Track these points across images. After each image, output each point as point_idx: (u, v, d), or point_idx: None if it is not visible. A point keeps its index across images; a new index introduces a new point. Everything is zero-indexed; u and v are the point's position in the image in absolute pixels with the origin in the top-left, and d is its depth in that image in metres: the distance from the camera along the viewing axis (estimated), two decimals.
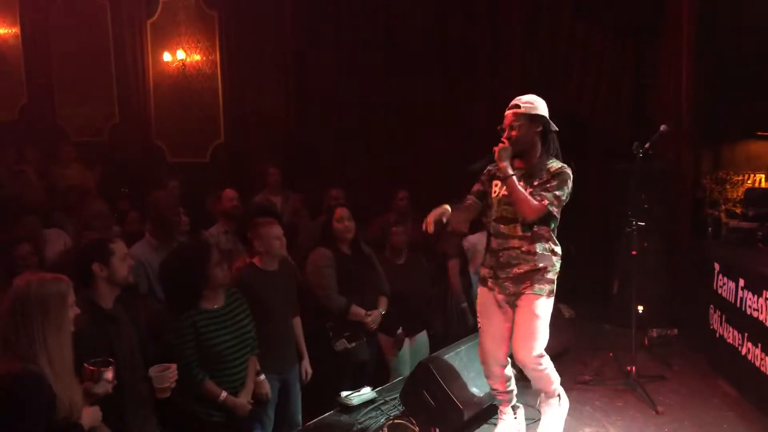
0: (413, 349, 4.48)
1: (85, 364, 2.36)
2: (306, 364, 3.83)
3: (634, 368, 4.45)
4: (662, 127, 4.58)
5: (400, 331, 4.26)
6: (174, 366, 2.71)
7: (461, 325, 4.75)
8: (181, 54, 7.88)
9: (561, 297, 5.45)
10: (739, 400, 4.18)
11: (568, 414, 3.59)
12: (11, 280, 2.30)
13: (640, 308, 4.92)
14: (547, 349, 4.60)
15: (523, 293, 3.13)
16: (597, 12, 6.13)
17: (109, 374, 2.38)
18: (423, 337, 4.54)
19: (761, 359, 3.93)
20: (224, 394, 3.08)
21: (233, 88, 7.68)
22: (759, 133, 5.59)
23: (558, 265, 3.20)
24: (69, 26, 8.30)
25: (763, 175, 5.67)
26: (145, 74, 8.07)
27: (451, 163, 6.33)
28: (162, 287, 3.48)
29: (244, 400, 3.17)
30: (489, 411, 3.91)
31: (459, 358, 3.75)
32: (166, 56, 7.94)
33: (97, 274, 2.74)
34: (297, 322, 3.80)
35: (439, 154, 6.62)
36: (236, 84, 7.64)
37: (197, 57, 7.83)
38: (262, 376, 3.36)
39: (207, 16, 7.71)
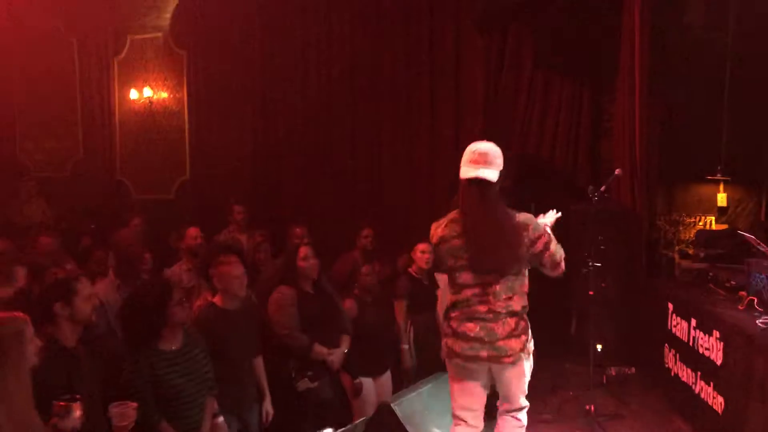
0: (377, 388, 4.47)
1: (54, 401, 2.34)
2: (267, 405, 3.78)
3: (593, 407, 4.52)
4: (616, 171, 4.78)
5: (358, 380, 4.25)
6: (134, 404, 2.68)
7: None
8: (148, 91, 7.91)
9: None
10: None
11: None
12: None
13: (599, 347, 5.02)
14: None
15: None
16: (557, 60, 6.38)
17: (77, 411, 2.36)
18: (387, 376, 4.55)
19: (713, 398, 4.04)
20: None
21: (200, 125, 7.72)
22: (708, 177, 5.82)
23: None
24: (34, 61, 8.27)
25: (713, 218, 5.89)
26: (111, 111, 8.06)
27: (413, 203, 6.45)
28: (121, 325, 3.44)
29: None
30: None
31: (421, 398, 3.77)
32: (133, 93, 7.96)
33: (59, 314, 2.71)
34: (258, 361, 3.78)
35: (403, 194, 6.73)
36: (203, 121, 7.69)
37: (164, 95, 7.87)
38: (221, 418, 3.31)
39: (175, 55, 7.78)
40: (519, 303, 3.03)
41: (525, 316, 3.07)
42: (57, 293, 2.75)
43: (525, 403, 3.21)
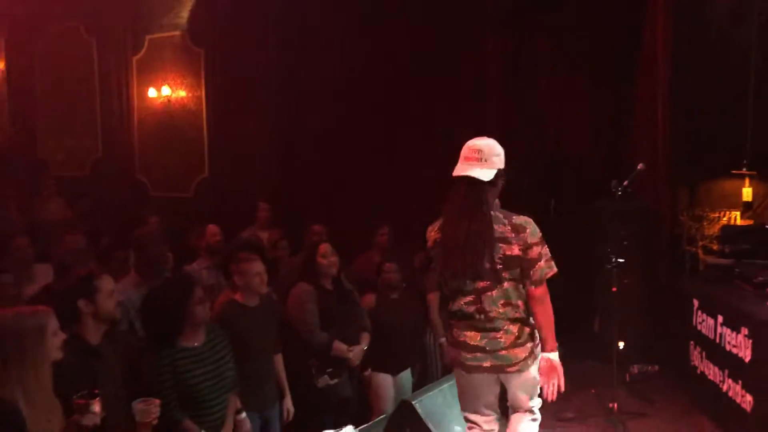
0: (397, 386, 4.45)
1: (74, 397, 2.35)
2: (288, 403, 3.78)
3: (616, 405, 4.46)
4: (639, 166, 4.69)
5: (368, 371, 4.27)
6: (158, 401, 2.68)
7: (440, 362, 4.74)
8: (166, 90, 7.94)
9: None
10: None
11: None
12: None
13: (621, 344, 4.95)
14: None
15: None
16: (575, 55, 6.29)
17: (96, 406, 2.36)
18: (407, 374, 4.52)
19: (741, 396, 3.96)
20: None
21: (218, 123, 7.73)
22: (733, 172, 5.70)
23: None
24: (54, 61, 8.36)
25: (738, 213, 5.78)
26: (129, 109, 8.11)
27: (432, 201, 6.39)
28: (142, 323, 3.45)
29: None
30: None
31: (443, 395, 3.73)
32: (152, 92, 8.00)
33: (83, 310, 2.72)
34: (279, 358, 3.77)
35: (422, 192, 6.68)
36: (221, 120, 7.70)
37: (182, 93, 7.90)
38: (243, 414, 3.31)
39: (193, 53, 7.80)
40: (519, 310, 2.84)
41: (531, 322, 2.88)
42: (80, 290, 2.76)
43: (537, 402, 3.04)
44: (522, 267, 2.80)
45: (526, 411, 3.01)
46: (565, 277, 6.09)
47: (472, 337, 2.86)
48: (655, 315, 5.51)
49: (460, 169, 2.81)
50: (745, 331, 3.94)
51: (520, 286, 2.83)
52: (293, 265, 4.90)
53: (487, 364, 2.85)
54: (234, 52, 7.49)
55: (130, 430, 2.67)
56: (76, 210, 7.13)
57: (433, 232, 2.96)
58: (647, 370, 5.32)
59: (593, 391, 4.86)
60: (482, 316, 2.83)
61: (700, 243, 5.77)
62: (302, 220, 6.06)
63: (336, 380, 3.97)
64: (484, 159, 2.79)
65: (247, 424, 3.33)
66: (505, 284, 2.80)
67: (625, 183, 4.59)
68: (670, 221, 5.87)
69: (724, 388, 4.22)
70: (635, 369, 5.28)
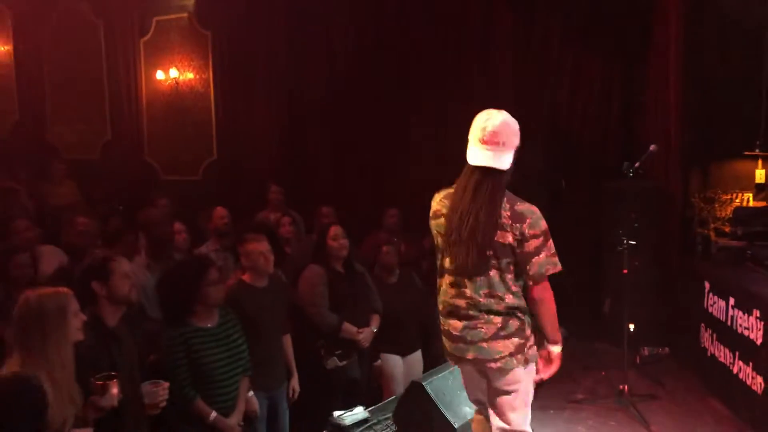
0: (407, 368, 4.46)
1: (92, 379, 2.40)
2: (294, 383, 3.80)
3: (626, 387, 4.46)
4: (651, 147, 4.65)
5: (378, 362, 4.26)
6: (166, 384, 2.70)
7: None
8: (174, 72, 7.91)
9: None
10: (732, 419, 4.19)
11: None
12: (8, 288, 2.38)
13: (632, 327, 4.93)
14: None
15: None
16: (586, 35, 6.21)
17: (114, 388, 2.41)
18: (417, 356, 4.53)
19: (752, 378, 3.95)
20: (214, 414, 3.05)
21: (226, 106, 7.70)
22: (746, 153, 5.64)
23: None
24: (62, 44, 8.34)
25: (750, 195, 5.72)
26: (137, 92, 8.09)
27: (442, 183, 6.35)
28: (159, 302, 3.49)
29: (234, 421, 3.14)
30: None
31: (453, 376, 3.74)
32: (159, 74, 7.97)
33: (98, 293, 2.74)
34: (287, 339, 3.78)
35: (432, 174, 6.63)
36: (229, 102, 7.67)
37: (190, 75, 7.86)
38: (251, 393, 3.33)
39: (200, 35, 7.75)
40: (505, 301, 2.55)
41: (519, 316, 2.59)
42: (94, 273, 2.78)
43: (523, 427, 2.68)
44: (517, 260, 2.54)
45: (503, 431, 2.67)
46: (577, 258, 6.11)
47: (455, 326, 2.63)
48: (666, 297, 5.49)
49: (477, 157, 2.51)
50: (756, 313, 3.92)
51: (509, 277, 2.55)
52: (304, 246, 4.90)
53: (469, 356, 2.61)
54: (241, 34, 7.44)
55: (141, 410, 2.71)
56: (87, 193, 7.16)
57: (434, 202, 2.71)
58: (658, 352, 5.32)
59: (603, 373, 4.86)
60: (465, 303, 2.59)
61: (712, 225, 5.73)
62: (311, 202, 6.05)
63: (345, 362, 3.98)
64: (503, 142, 2.50)
65: (255, 402, 3.35)
66: (491, 272, 2.54)
67: (637, 164, 4.55)
68: (682, 203, 5.82)
69: (735, 370, 4.21)
70: (645, 351, 5.28)
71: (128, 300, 2.82)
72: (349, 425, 3.58)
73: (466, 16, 6.64)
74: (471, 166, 2.55)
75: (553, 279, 2.61)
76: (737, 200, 5.79)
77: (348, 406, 3.72)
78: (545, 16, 6.37)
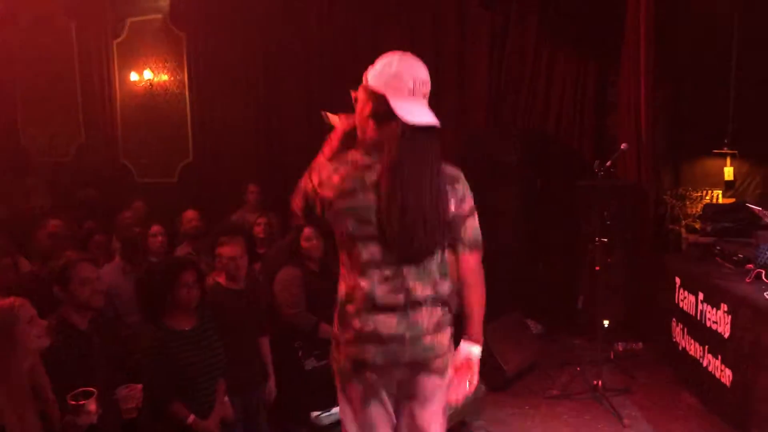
0: None
1: (68, 398, 2.34)
2: (271, 384, 3.80)
3: (600, 382, 4.53)
4: (622, 146, 4.74)
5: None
6: (140, 386, 2.69)
7: None
8: (148, 74, 7.86)
9: (529, 313, 5.59)
10: (702, 412, 4.28)
11: (539, 428, 3.62)
12: None
13: (606, 322, 5.02)
14: (515, 364, 4.64)
15: None
16: (560, 37, 6.30)
17: (92, 406, 2.35)
18: None
19: (721, 371, 4.04)
20: (192, 416, 3.05)
21: (202, 107, 7.67)
22: (715, 151, 5.77)
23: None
24: (33, 46, 8.21)
25: (720, 192, 5.85)
26: (111, 94, 8.02)
27: None
28: (137, 303, 3.49)
29: (211, 423, 3.14)
30: (458, 428, 3.94)
31: None
32: (134, 76, 7.91)
33: (60, 297, 2.72)
34: (264, 341, 3.78)
35: None
36: (205, 103, 7.64)
37: (165, 77, 7.81)
38: (225, 398, 3.32)
39: (175, 36, 7.70)
40: (443, 285, 2.15)
41: (449, 305, 2.19)
42: (55, 276, 2.78)
43: None
44: (451, 226, 2.13)
45: None
46: (552, 255, 6.17)
47: (388, 324, 2.09)
48: (639, 293, 5.58)
49: (420, 114, 2.05)
50: (724, 307, 4.01)
51: (443, 257, 2.15)
52: (281, 247, 4.90)
53: (405, 358, 2.11)
54: (217, 35, 7.41)
55: (116, 414, 2.69)
56: (61, 197, 7.08)
57: (334, 175, 2.09)
58: (631, 347, 5.40)
59: (579, 368, 4.93)
60: (404, 296, 2.10)
61: (683, 222, 5.85)
62: (287, 202, 6.03)
63: (323, 362, 3.98)
64: (428, 93, 2.11)
65: (228, 407, 3.34)
66: (435, 254, 2.14)
67: (608, 163, 4.63)
68: (654, 200, 5.93)
69: (705, 363, 4.30)
70: (620, 346, 5.36)
71: (89, 305, 2.79)
72: (327, 425, 3.60)
73: (441, 13, 6.69)
74: (404, 126, 2.02)
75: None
76: (707, 197, 5.92)
77: (327, 406, 3.73)
78: (520, 17, 6.44)
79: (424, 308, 2.12)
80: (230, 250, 3.48)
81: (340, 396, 2.25)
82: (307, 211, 2.20)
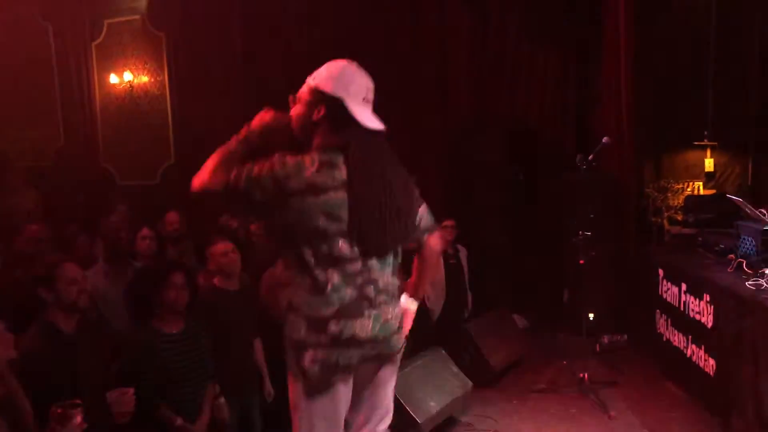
0: None
1: (53, 407, 2.28)
2: (268, 385, 3.79)
3: (586, 375, 4.57)
4: (604, 139, 4.77)
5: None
6: (131, 390, 2.66)
7: None
8: (128, 75, 7.77)
9: (515, 308, 5.63)
10: (687, 401, 4.33)
11: (526, 422, 3.64)
12: None
13: (591, 315, 5.06)
14: (502, 359, 4.66)
15: None
16: (541, 33, 6.33)
17: (77, 417, 2.28)
18: None
19: (705, 360, 4.09)
20: (180, 420, 3.03)
21: (183, 108, 7.59)
22: (695, 143, 5.84)
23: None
24: (9, 48, 8.09)
25: (701, 183, 5.92)
26: (90, 97, 7.92)
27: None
28: (126, 306, 3.48)
29: (200, 427, 3.12)
30: (446, 424, 3.96)
31: (417, 370, 3.79)
32: (113, 78, 7.82)
33: (46, 299, 2.69)
34: (258, 344, 3.77)
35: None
36: (186, 104, 7.56)
37: (145, 78, 7.73)
38: (222, 399, 3.31)
39: (154, 37, 7.62)
40: (396, 277, 2.23)
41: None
42: (40, 279, 2.72)
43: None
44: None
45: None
46: (536, 249, 6.19)
47: (365, 327, 2.09)
48: (623, 285, 5.64)
49: (371, 119, 2.19)
50: (707, 297, 4.06)
51: (400, 249, 2.26)
52: (269, 248, 4.87)
53: (373, 354, 2.15)
54: (196, 35, 7.34)
55: (105, 419, 2.66)
56: (44, 201, 6.99)
57: (305, 170, 2.10)
58: (616, 340, 5.46)
59: (565, 362, 4.96)
60: (372, 291, 2.12)
61: (666, 214, 5.91)
62: None
63: None
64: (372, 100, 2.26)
65: (225, 410, 3.33)
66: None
67: (591, 157, 4.66)
68: (636, 193, 5.99)
69: (688, 353, 4.35)
70: (605, 339, 5.41)
71: (77, 306, 2.76)
72: None
73: (422, 10, 6.69)
74: (363, 129, 2.14)
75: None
76: (688, 189, 5.99)
77: None
78: (501, 14, 6.47)
79: (391, 301, 2.19)
80: (221, 246, 3.49)
81: (300, 399, 2.24)
82: (239, 193, 2.19)
